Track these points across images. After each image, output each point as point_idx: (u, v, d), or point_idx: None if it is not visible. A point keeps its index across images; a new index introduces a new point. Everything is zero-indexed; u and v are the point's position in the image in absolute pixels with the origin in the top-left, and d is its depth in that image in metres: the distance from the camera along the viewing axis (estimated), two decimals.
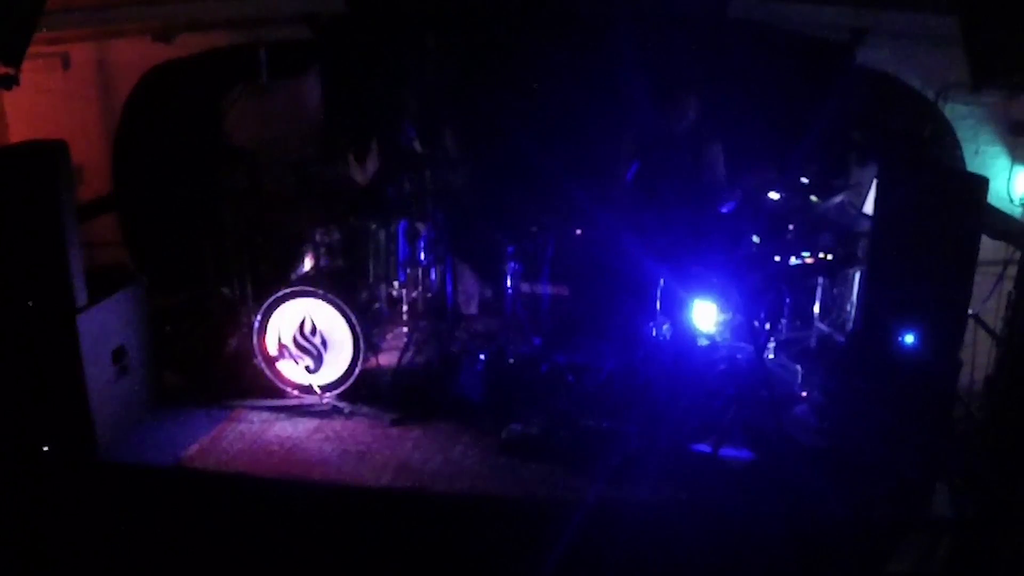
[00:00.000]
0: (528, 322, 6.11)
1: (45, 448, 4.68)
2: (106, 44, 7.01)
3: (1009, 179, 6.08)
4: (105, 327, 4.83)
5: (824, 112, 6.10)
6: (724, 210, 5.63)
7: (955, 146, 6.23)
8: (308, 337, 5.37)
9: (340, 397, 5.37)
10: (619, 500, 4.40)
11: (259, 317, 5.36)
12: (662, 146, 5.68)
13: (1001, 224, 4.96)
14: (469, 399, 5.34)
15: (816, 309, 5.95)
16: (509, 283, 6.03)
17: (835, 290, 6.10)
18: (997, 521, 4.20)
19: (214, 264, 5.87)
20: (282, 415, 5.27)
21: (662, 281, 5.39)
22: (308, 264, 5.96)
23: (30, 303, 4.54)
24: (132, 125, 7.08)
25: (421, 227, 6.01)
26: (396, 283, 6.11)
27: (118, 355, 4.94)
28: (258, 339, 5.39)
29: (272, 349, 5.40)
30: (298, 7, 6.74)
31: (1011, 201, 5.96)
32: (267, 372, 5.43)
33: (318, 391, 5.36)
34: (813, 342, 5.90)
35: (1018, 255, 4.64)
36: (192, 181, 5.97)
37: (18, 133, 6.75)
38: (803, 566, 4.30)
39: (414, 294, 6.14)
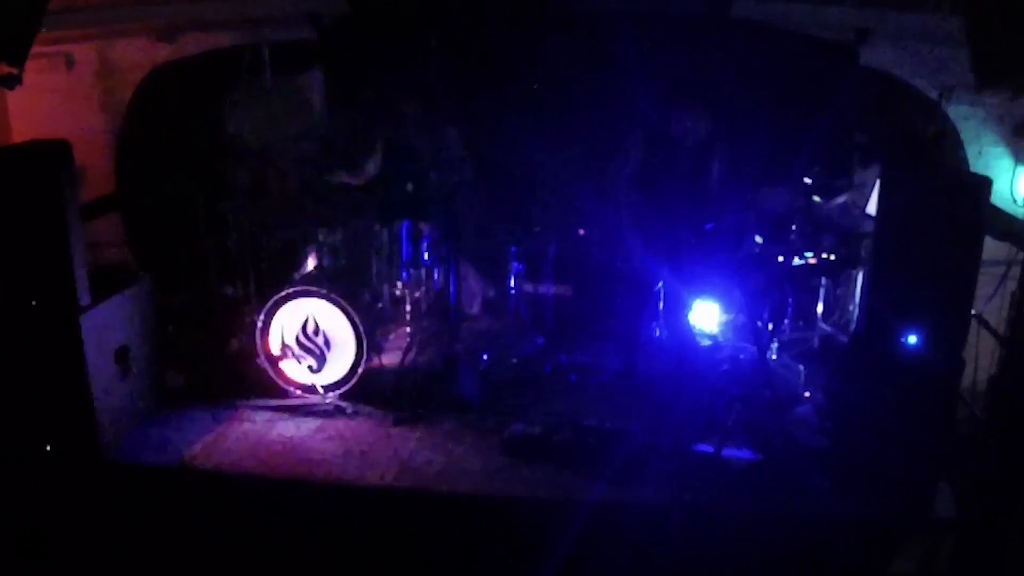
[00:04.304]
0: (531, 322, 6.11)
1: (48, 447, 4.69)
2: (109, 44, 7.01)
3: (1012, 180, 6.08)
4: (108, 327, 4.83)
5: (827, 112, 6.10)
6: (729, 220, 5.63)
7: (958, 147, 6.22)
8: (311, 337, 5.37)
9: (343, 397, 5.37)
10: (621, 500, 4.40)
11: (262, 317, 5.36)
12: (665, 146, 5.68)
13: (1004, 225, 4.96)
14: (472, 399, 5.34)
15: (819, 309, 5.95)
16: (512, 283, 6.03)
17: (838, 290, 6.09)
18: (1000, 522, 4.19)
19: (217, 264, 5.87)
20: (285, 415, 5.28)
21: (664, 281, 5.39)
22: (311, 264, 5.96)
23: (33, 303, 4.55)
24: (135, 125, 7.09)
25: (424, 227, 6.01)
26: (399, 283, 6.12)
27: (121, 355, 4.94)
28: (261, 339, 5.39)
29: (275, 349, 5.40)
30: (301, 7, 6.74)
31: (1014, 202, 5.96)
32: (270, 372, 5.43)
33: (321, 391, 5.37)
34: (816, 342, 5.90)
35: (1021, 256, 4.63)
36: (195, 181, 5.97)
37: (21, 133, 6.76)
38: (806, 567, 4.30)
39: (417, 294, 6.15)
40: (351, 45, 6.90)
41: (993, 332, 4.83)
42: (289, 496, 4.58)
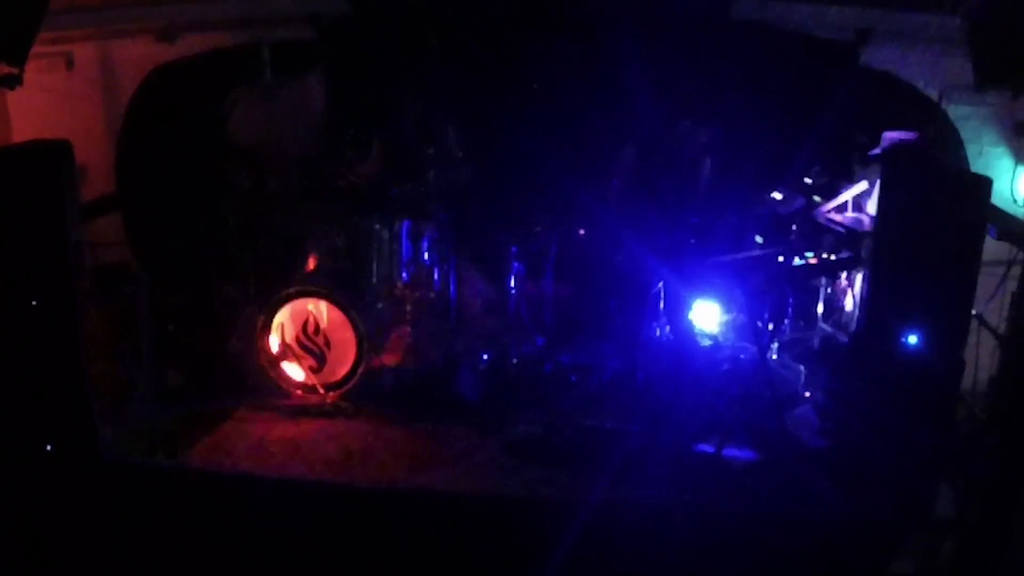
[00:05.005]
0: (531, 322, 6.10)
1: (48, 447, 4.68)
2: (109, 44, 7.00)
3: (1013, 180, 6.08)
4: (108, 326, 4.82)
5: (827, 112, 6.09)
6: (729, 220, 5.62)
7: (959, 147, 6.22)
8: (311, 337, 5.37)
9: (343, 397, 5.37)
10: (622, 500, 4.40)
11: (262, 317, 5.36)
12: (664, 147, 5.68)
13: (1004, 224, 4.95)
14: (472, 399, 5.34)
15: (819, 309, 5.94)
16: (513, 283, 6.02)
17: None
18: (1000, 522, 4.19)
19: (217, 264, 5.87)
20: (285, 415, 5.27)
21: (664, 281, 5.38)
22: (311, 264, 5.95)
23: (33, 303, 4.54)
24: (135, 125, 7.07)
25: (425, 227, 6.00)
26: (399, 283, 6.11)
27: (121, 354, 4.94)
28: (261, 339, 5.39)
29: (275, 349, 5.40)
30: (301, 7, 6.74)
31: (1015, 202, 5.95)
32: (270, 372, 5.43)
33: (321, 391, 5.36)
34: (816, 342, 5.89)
35: (1021, 256, 4.63)
36: (195, 181, 5.97)
37: (21, 132, 6.75)
38: (806, 567, 4.29)
39: (417, 294, 6.13)
40: (351, 45, 6.89)
41: (993, 332, 4.83)
42: (289, 496, 4.58)
